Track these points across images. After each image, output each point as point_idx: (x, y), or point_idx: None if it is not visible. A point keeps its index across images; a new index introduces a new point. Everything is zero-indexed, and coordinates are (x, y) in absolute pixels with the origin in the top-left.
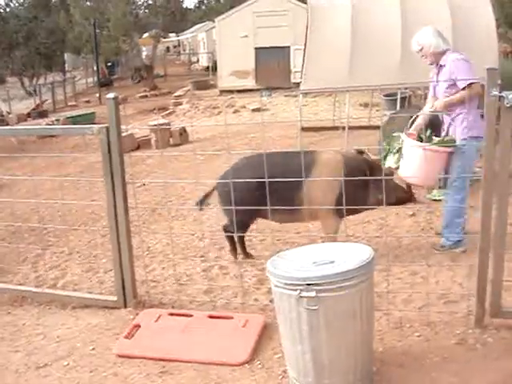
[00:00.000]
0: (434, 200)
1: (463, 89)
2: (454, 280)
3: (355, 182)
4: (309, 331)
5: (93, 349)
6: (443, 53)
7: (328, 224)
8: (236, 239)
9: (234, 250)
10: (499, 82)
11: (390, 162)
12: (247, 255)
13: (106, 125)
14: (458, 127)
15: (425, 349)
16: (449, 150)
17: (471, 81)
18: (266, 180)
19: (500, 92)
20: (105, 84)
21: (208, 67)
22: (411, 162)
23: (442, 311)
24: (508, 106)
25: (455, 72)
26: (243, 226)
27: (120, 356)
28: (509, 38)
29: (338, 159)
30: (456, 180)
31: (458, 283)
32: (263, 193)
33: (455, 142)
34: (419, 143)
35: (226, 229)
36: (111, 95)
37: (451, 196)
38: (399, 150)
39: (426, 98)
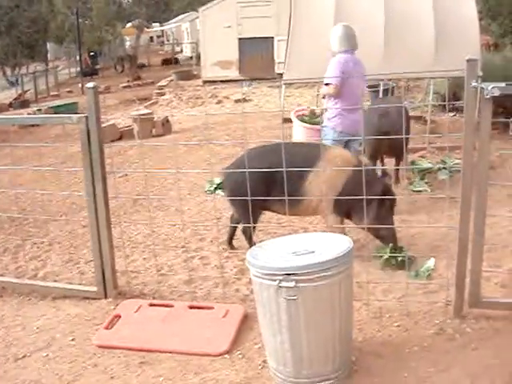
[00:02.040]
0: (414, 191)
1: (327, 85)
2: (434, 270)
3: (358, 187)
4: (288, 321)
5: (72, 339)
6: (339, 53)
7: (328, 219)
8: (242, 230)
9: (230, 240)
10: (480, 73)
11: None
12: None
13: (85, 114)
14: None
15: (404, 339)
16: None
17: (327, 81)
18: (266, 170)
19: (480, 83)
20: (89, 74)
21: (191, 57)
22: (297, 133)
23: (422, 301)
24: (487, 97)
25: (327, 70)
26: (250, 217)
27: (100, 347)
28: (492, 30)
29: (346, 158)
30: None
31: (437, 273)
32: (268, 184)
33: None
34: (298, 121)
35: (232, 219)
36: (90, 84)
37: None
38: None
39: (408, 90)
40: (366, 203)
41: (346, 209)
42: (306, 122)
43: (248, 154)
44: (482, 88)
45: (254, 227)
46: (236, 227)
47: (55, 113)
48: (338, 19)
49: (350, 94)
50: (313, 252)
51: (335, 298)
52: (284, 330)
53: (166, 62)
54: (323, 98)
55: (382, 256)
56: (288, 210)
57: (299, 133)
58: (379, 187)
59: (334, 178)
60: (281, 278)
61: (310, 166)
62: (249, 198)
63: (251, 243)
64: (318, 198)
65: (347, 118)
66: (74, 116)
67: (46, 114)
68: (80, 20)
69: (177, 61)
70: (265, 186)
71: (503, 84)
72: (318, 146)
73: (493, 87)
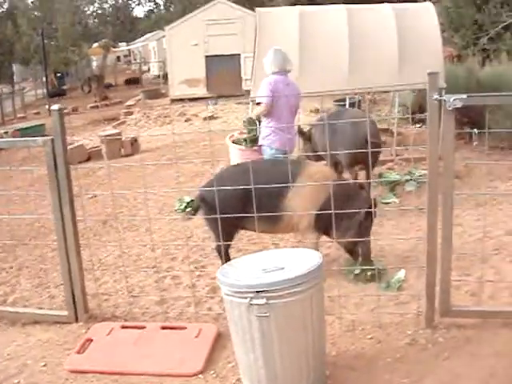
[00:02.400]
0: (383, 203)
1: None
2: (404, 281)
3: (340, 201)
4: (260, 339)
5: (44, 365)
6: (271, 74)
7: (307, 236)
8: (216, 248)
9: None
10: (444, 85)
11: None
12: None
13: (51, 137)
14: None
15: (377, 350)
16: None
17: (258, 100)
18: (246, 187)
19: (441, 95)
20: (56, 94)
21: (159, 76)
22: (234, 156)
23: (394, 312)
24: (450, 109)
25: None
26: (226, 235)
27: (72, 371)
28: (455, 42)
29: (326, 174)
30: None
31: (408, 284)
32: (245, 202)
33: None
34: (233, 145)
35: (217, 248)
36: (56, 107)
37: None
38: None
39: (375, 103)
40: (348, 218)
41: (325, 224)
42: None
43: (225, 171)
44: (444, 100)
45: (229, 246)
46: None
47: (22, 135)
48: (302, 36)
49: (282, 113)
50: (283, 268)
51: (307, 314)
52: (257, 348)
53: (129, 82)
54: (257, 118)
55: (352, 270)
56: (267, 227)
57: (236, 156)
58: (361, 202)
59: (314, 193)
60: (251, 295)
61: (290, 183)
62: (219, 216)
63: (224, 261)
64: (298, 215)
65: (281, 135)
66: (40, 139)
67: (13, 136)
68: (46, 41)
69: (137, 80)
70: (242, 204)
71: (465, 95)
72: (298, 163)
73: (454, 99)
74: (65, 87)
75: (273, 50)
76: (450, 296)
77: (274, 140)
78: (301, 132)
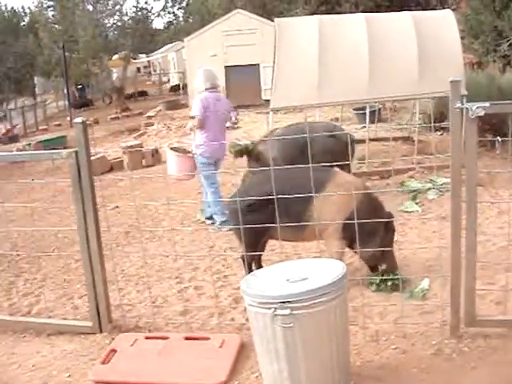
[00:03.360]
0: (406, 212)
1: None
2: (429, 290)
3: (367, 212)
4: (285, 349)
5: (69, 376)
6: (204, 91)
7: (332, 246)
8: (248, 261)
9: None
10: (465, 93)
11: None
12: None
13: (75, 149)
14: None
15: (402, 361)
16: (187, 155)
17: (193, 114)
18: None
19: (463, 104)
20: (79, 106)
21: (178, 87)
22: (170, 163)
23: (418, 322)
24: (472, 117)
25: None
26: (254, 244)
27: (97, 382)
28: (474, 49)
29: (355, 183)
30: (204, 180)
31: (432, 293)
32: (273, 209)
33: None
34: (171, 151)
35: (243, 257)
36: (79, 119)
37: (208, 192)
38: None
39: (395, 111)
40: (373, 229)
41: (352, 234)
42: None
43: (252, 180)
44: (467, 108)
45: (259, 256)
46: (249, 263)
47: (44, 147)
48: (322, 45)
49: (213, 126)
50: (307, 278)
51: (331, 324)
52: (281, 358)
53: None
54: (190, 130)
55: (374, 281)
56: (291, 235)
57: (172, 161)
58: (386, 213)
59: (344, 202)
60: (276, 306)
61: (318, 191)
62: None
63: (248, 271)
64: (324, 223)
65: (212, 146)
66: (64, 151)
67: (35, 148)
68: (67, 54)
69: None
70: (269, 213)
71: (487, 104)
72: (326, 171)
73: (477, 107)
74: (89, 97)
75: (202, 70)
76: (475, 305)
77: (206, 150)
78: (248, 152)
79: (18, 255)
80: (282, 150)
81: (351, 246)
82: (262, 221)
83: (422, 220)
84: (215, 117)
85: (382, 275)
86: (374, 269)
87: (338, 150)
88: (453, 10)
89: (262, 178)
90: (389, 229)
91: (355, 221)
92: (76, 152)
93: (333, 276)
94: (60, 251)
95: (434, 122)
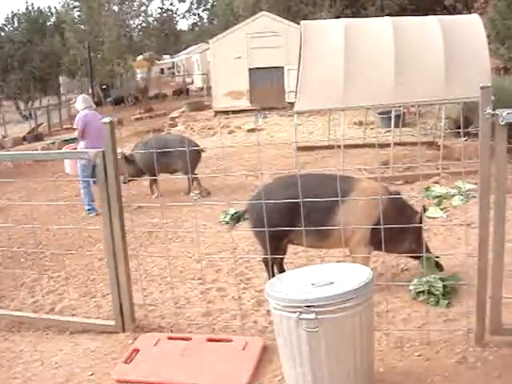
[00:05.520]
0: (430, 217)
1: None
2: (454, 298)
3: (392, 219)
4: (309, 353)
5: (91, 374)
6: (83, 109)
7: (358, 252)
8: (263, 261)
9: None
10: (492, 98)
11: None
12: None
13: (102, 149)
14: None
15: (425, 368)
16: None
17: (75, 127)
18: (295, 200)
19: (494, 110)
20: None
21: (202, 88)
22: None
23: (442, 330)
24: (502, 123)
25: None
26: (274, 248)
27: (119, 381)
28: (501, 54)
29: (379, 189)
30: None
31: (457, 301)
32: (294, 215)
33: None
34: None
35: (264, 260)
36: (107, 119)
37: (81, 186)
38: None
39: (420, 116)
40: (404, 230)
41: (379, 239)
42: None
43: (273, 184)
44: (497, 114)
45: (281, 259)
46: (272, 266)
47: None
48: (347, 48)
49: (92, 136)
50: (332, 283)
51: (356, 329)
52: (305, 362)
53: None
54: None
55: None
56: (315, 242)
57: (67, 162)
58: (413, 213)
59: (370, 209)
60: (301, 310)
61: (342, 197)
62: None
63: (271, 275)
64: (351, 230)
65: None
66: (91, 151)
67: (59, 147)
68: (92, 54)
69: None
70: (289, 218)
71: None
72: (350, 178)
73: (507, 113)
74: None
75: (81, 96)
76: (501, 314)
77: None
78: (126, 158)
79: (42, 253)
80: (144, 157)
81: (380, 248)
82: (281, 225)
83: (446, 226)
84: (93, 129)
85: (429, 286)
86: (418, 258)
87: (185, 158)
88: (479, 14)
89: (285, 183)
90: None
91: (381, 226)
92: (103, 152)
93: (359, 281)
94: (83, 250)
95: (459, 128)
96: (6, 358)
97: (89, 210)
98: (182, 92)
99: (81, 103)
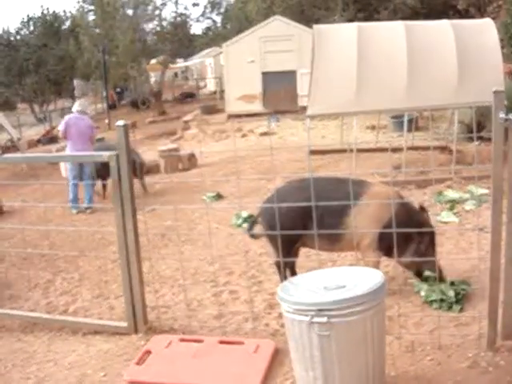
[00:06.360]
0: (443, 222)
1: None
2: (466, 302)
3: (402, 221)
4: (320, 357)
5: (104, 375)
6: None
7: (368, 256)
8: (277, 266)
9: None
10: (505, 102)
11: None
12: None
13: (116, 152)
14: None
15: (437, 372)
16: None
17: (58, 129)
18: (307, 203)
19: (507, 114)
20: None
21: (215, 92)
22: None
23: (454, 334)
24: None
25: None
26: (286, 252)
27: (131, 382)
28: None
29: (389, 194)
30: (69, 177)
31: (469, 305)
32: (306, 219)
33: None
34: None
35: (276, 263)
36: (121, 122)
37: (69, 184)
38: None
39: (432, 120)
40: (411, 238)
41: (388, 244)
42: None
43: (285, 187)
44: (510, 119)
45: (293, 263)
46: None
47: None
48: (360, 52)
49: (73, 136)
50: (344, 287)
51: (368, 333)
52: (317, 366)
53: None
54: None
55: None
56: (327, 245)
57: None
58: (423, 221)
59: (379, 213)
60: (313, 313)
61: (354, 202)
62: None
63: (283, 278)
64: (360, 234)
65: (75, 152)
66: (105, 154)
67: None
68: (106, 57)
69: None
70: (301, 221)
71: None
72: (361, 182)
73: None
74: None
75: (79, 100)
76: None
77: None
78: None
79: (56, 254)
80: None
81: (389, 255)
82: (294, 228)
83: (459, 230)
84: (75, 131)
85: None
86: (418, 275)
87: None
88: (492, 18)
89: (298, 187)
90: (426, 233)
91: (393, 230)
92: (117, 155)
93: (371, 285)
94: (97, 252)
95: (471, 132)
96: (19, 358)
97: (72, 206)
98: (188, 96)
99: (75, 106)
